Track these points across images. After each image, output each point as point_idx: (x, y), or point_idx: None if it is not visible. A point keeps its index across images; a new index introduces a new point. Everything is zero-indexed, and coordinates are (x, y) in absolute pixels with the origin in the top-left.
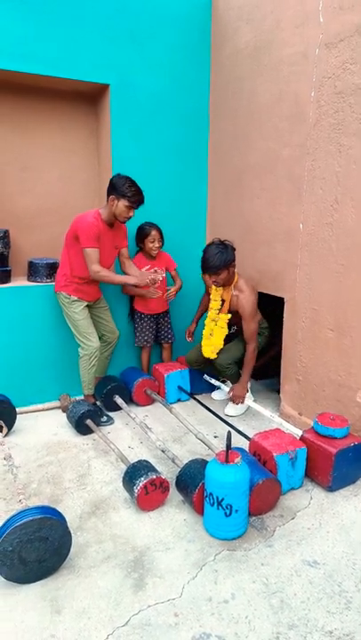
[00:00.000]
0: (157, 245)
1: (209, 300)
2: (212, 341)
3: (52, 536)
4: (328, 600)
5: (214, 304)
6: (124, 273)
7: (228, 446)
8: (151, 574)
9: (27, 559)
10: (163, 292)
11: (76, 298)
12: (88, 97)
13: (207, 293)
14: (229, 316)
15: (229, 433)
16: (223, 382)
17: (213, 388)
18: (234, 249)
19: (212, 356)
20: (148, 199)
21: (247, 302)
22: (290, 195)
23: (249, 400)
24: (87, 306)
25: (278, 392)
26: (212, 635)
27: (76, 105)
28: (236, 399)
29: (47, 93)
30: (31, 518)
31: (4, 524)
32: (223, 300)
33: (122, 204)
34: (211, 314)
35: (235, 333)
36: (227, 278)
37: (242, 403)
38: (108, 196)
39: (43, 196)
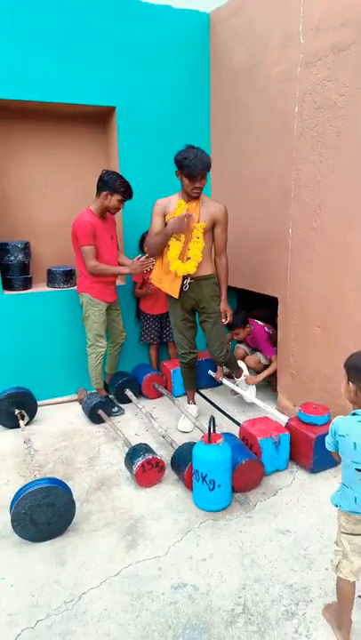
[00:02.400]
0: None
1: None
2: (192, 254)
3: (59, 502)
4: (293, 561)
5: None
6: (119, 263)
7: (210, 429)
8: (143, 538)
9: (37, 521)
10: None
11: (98, 300)
12: (97, 118)
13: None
14: (205, 224)
15: (212, 417)
16: (228, 377)
17: (216, 383)
18: None
19: (193, 269)
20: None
21: (221, 208)
22: (280, 202)
23: (252, 394)
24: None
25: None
26: (188, 584)
27: (87, 126)
28: (227, 313)
29: (61, 117)
30: (40, 486)
31: (19, 491)
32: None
33: (115, 199)
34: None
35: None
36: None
37: (229, 319)
38: (100, 191)
39: (60, 210)
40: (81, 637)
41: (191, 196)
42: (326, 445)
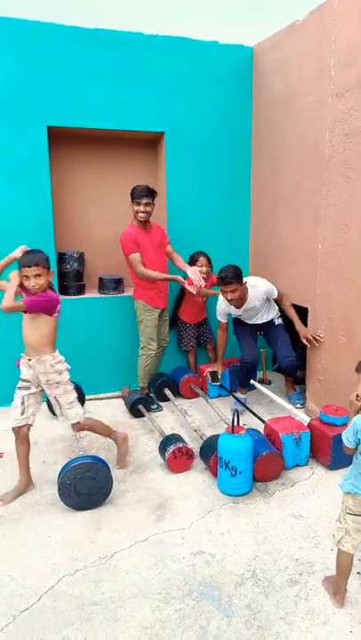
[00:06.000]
0: (205, 270)
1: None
2: None
3: (98, 477)
4: (302, 540)
5: None
6: (176, 266)
7: (233, 421)
8: (170, 513)
9: (80, 491)
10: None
11: (150, 307)
12: (147, 143)
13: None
14: None
15: (236, 410)
16: (261, 382)
17: (251, 387)
18: None
19: None
20: (199, 226)
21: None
22: (310, 219)
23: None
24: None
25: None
26: (206, 552)
27: (138, 149)
28: None
29: (116, 142)
30: (83, 461)
31: (65, 465)
32: None
33: (134, 205)
34: None
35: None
36: None
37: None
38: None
39: (112, 224)
40: (112, 585)
41: None
42: (345, 442)
